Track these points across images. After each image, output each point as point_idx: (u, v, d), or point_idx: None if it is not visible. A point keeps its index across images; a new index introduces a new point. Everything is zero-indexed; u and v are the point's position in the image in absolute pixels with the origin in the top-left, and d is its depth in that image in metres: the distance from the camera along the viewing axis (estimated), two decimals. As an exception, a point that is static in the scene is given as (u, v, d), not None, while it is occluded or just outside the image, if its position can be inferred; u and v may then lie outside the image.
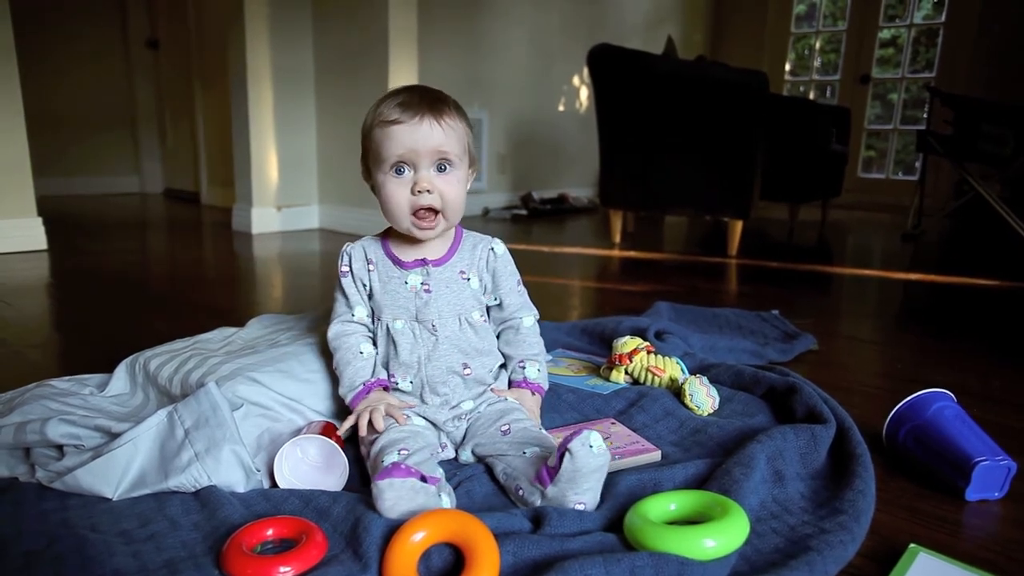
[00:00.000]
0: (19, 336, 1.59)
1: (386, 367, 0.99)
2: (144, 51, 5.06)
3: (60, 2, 4.65)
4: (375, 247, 1.02)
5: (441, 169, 0.94)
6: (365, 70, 3.11)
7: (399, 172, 0.94)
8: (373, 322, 1.01)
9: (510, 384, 1.07)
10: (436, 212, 0.95)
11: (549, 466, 0.81)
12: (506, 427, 0.95)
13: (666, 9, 5.30)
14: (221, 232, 3.41)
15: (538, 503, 0.82)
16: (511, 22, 4.28)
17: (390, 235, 1.03)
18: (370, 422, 0.92)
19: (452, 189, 0.95)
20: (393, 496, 0.75)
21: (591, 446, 0.78)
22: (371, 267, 1.00)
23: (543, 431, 0.97)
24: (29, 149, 2.63)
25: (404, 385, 0.98)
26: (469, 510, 0.82)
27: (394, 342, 0.98)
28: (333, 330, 1.01)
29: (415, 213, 0.95)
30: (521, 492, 0.85)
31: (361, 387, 0.96)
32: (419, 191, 0.93)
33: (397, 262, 1.00)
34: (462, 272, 1.00)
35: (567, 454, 0.78)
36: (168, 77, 4.98)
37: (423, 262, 0.99)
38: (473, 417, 0.99)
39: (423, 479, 0.77)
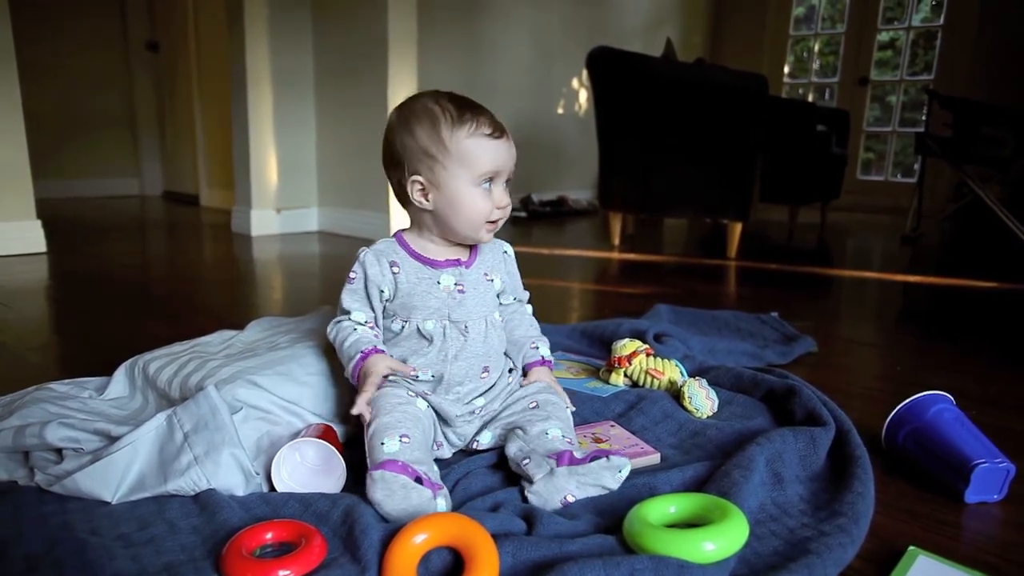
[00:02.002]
0: (18, 339, 1.59)
1: (404, 362, 0.99)
2: (144, 53, 5.06)
3: (60, 4, 4.65)
4: (396, 248, 1.01)
5: (506, 184, 1.00)
6: (365, 72, 3.11)
7: (486, 184, 0.97)
8: (396, 324, 1.00)
9: (525, 369, 1.09)
10: (495, 221, 1.01)
11: (575, 456, 0.85)
12: (534, 404, 0.99)
13: (665, 11, 5.31)
14: (220, 234, 3.41)
15: (538, 478, 0.84)
16: (511, 24, 4.29)
17: (408, 237, 1.02)
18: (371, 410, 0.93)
19: (510, 204, 1.01)
20: (385, 488, 0.78)
21: (620, 471, 0.84)
22: (396, 269, 0.99)
23: (569, 407, 1.02)
24: (28, 151, 2.63)
25: (424, 377, 0.98)
26: (465, 508, 0.82)
27: (426, 339, 0.98)
28: (330, 329, 1.02)
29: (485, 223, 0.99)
30: (527, 463, 0.87)
31: (359, 355, 0.96)
32: (501, 206, 0.98)
33: (427, 262, 1.00)
34: (486, 274, 1.04)
35: (605, 459, 0.84)
36: (168, 79, 4.99)
37: (457, 262, 1.01)
38: (488, 412, 1.01)
39: (418, 480, 0.79)
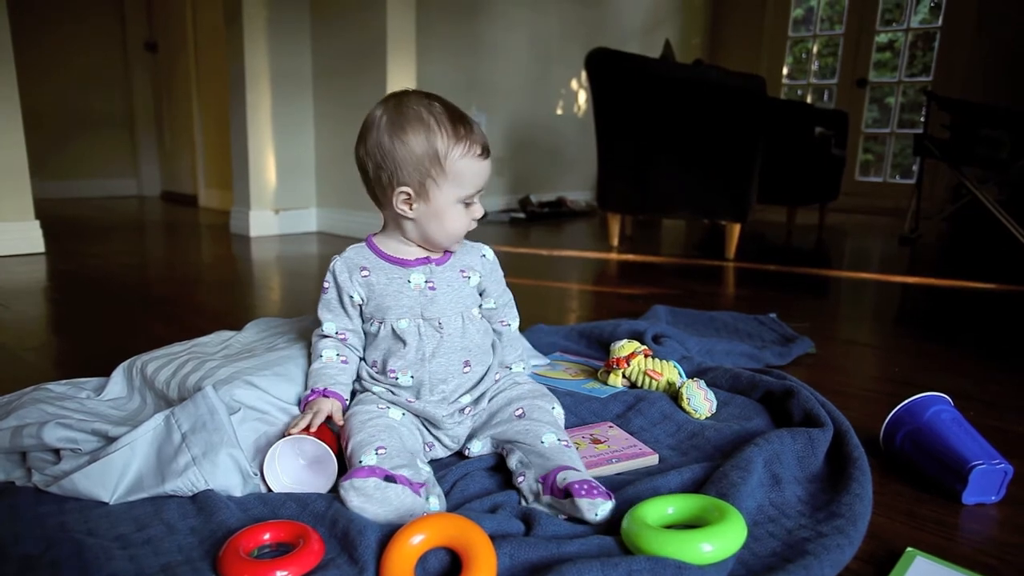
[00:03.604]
0: (16, 339, 1.59)
1: (384, 365, 0.99)
2: (142, 53, 5.06)
3: (58, 5, 4.65)
4: (365, 253, 1.02)
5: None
6: (363, 73, 3.11)
7: (468, 203, 0.99)
8: (373, 326, 1.01)
9: None
10: None
11: (558, 485, 0.82)
12: (520, 411, 0.98)
13: (664, 13, 5.31)
14: (219, 235, 3.40)
15: (530, 499, 0.85)
16: (510, 25, 4.29)
17: (379, 240, 1.03)
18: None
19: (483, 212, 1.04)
20: (359, 496, 0.78)
21: (596, 514, 0.79)
22: (365, 273, 1.00)
23: (555, 406, 1.01)
24: (27, 151, 2.63)
25: (404, 380, 0.98)
26: (463, 509, 0.82)
27: (401, 340, 0.98)
28: (312, 342, 1.05)
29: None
30: (521, 480, 0.87)
31: (311, 392, 0.98)
32: (477, 218, 1.01)
33: (397, 262, 1.01)
34: (463, 271, 1.03)
35: (574, 501, 0.79)
36: (166, 80, 4.99)
37: (427, 260, 1.01)
38: (478, 412, 1.00)
39: (389, 478, 0.79)
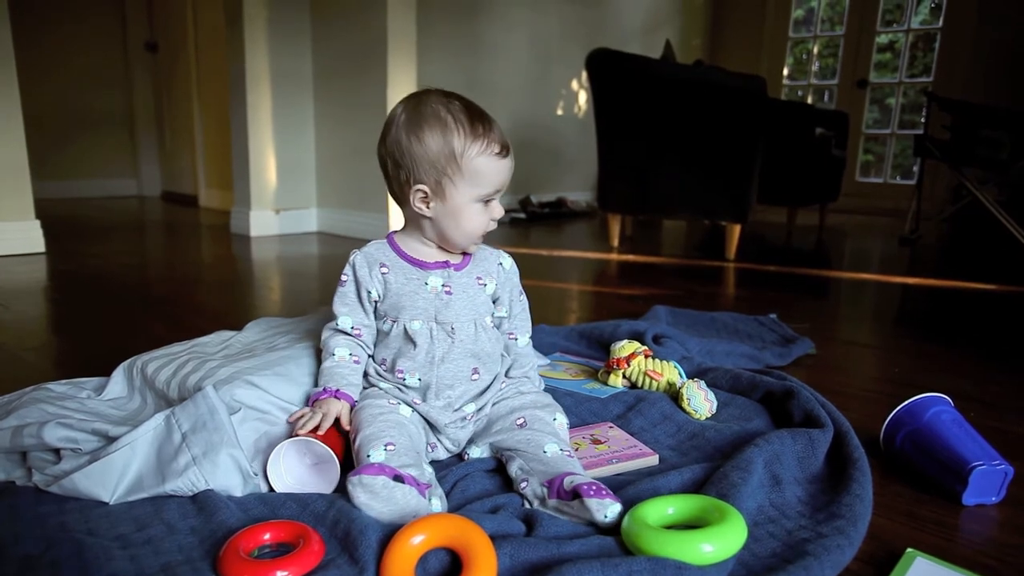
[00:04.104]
0: (16, 339, 1.59)
1: (393, 364, 0.99)
2: (143, 54, 5.06)
3: (58, 5, 4.66)
4: (386, 250, 1.02)
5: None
6: (364, 74, 3.11)
7: (487, 201, 0.98)
8: (386, 325, 1.01)
9: None
10: None
11: (564, 488, 0.82)
12: (521, 420, 0.97)
13: (664, 14, 5.32)
14: (219, 235, 3.41)
15: (535, 504, 0.85)
16: (510, 25, 4.29)
17: (400, 239, 1.03)
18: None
19: (503, 213, 1.03)
20: (366, 492, 0.78)
21: (606, 516, 0.78)
22: (384, 270, 1.00)
23: (558, 416, 1.00)
24: (27, 152, 2.63)
25: (411, 381, 0.98)
26: (464, 510, 0.82)
27: (412, 341, 0.98)
28: (323, 336, 1.04)
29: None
30: (524, 486, 0.87)
31: (323, 390, 0.98)
32: (496, 218, 1.00)
33: (416, 263, 1.01)
34: (479, 278, 1.03)
35: (582, 502, 0.79)
36: (167, 80, 4.99)
37: (446, 264, 1.01)
38: (480, 418, 1.00)
39: (398, 478, 0.79)
